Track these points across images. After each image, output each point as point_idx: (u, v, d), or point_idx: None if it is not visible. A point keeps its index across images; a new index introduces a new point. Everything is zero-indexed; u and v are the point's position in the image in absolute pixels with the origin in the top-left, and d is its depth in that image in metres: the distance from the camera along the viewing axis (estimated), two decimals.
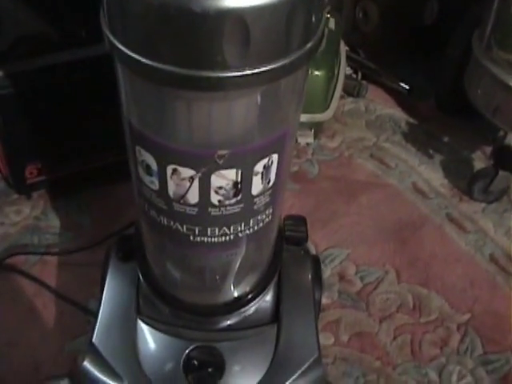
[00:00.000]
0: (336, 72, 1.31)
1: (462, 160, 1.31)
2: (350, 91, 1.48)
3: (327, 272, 1.05)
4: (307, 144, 1.30)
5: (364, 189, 1.22)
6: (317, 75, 1.20)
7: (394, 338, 0.97)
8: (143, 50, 0.45)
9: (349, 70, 1.52)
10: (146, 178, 0.56)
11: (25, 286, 1.02)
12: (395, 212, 1.18)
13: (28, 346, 0.93)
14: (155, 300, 0.76)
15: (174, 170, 0.53)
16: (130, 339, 0.76)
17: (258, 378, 0.75)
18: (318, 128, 1.29)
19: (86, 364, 0.76)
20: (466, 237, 1.15)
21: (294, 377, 0.75)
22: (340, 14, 1.51)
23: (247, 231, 0.60)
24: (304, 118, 1.22)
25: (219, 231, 0.59)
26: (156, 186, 0.56)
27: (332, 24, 1.34)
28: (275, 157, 0.54)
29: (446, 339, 0.97)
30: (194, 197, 0.55)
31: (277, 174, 0.56)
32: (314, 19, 0.47)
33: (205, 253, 0.63)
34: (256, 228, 0.60)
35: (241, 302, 0.73)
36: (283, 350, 0.76)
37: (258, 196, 0.57)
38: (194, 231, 0.59)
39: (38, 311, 0.98)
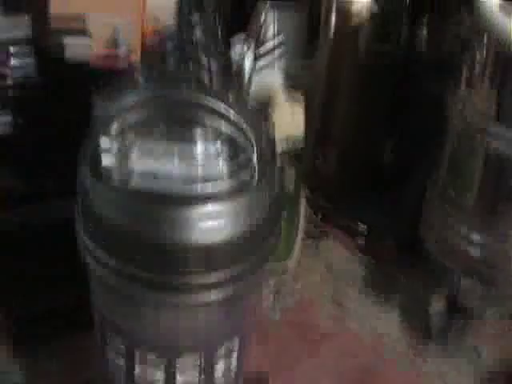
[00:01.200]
0: (296, 221, 1.35)
1: (422, 303, 1.33)
2: (311, 235, 1.51)
3: None
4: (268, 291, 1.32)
5: (325, 336, 1.25)
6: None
7: None
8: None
9: (310, 212, 1.56)
10: (117, 358, 0.59)
11: None
12: (355, 358, 1.20)
13: None
14: None
15: (142, 355, 0.56)
16: None
17: None
18: (277, 274, 1.31)
19: None
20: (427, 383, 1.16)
21: None
22: (300, 161, 1.56)
23: None
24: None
25: None
26: (123, 367, 0.58)
27: (291, 176, 1.38)
28: (236, 341, 0.57)
29: None
30: (157, 379, 0.57)
31: (237, 356, 0.59)
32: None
33: None
34: None
35: None
36: None
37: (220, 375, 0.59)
38: None
39: None
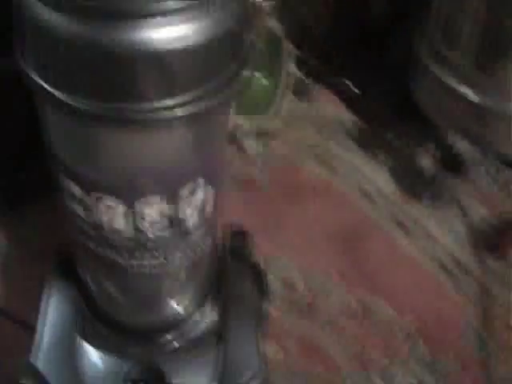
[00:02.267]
0: (281, 76, 1.29)
1: (411, 163, 1.31)
2: (298, 94, 1.46)
3: (271, 279, 1.04)
4: (255, 152, 1.29)
5: (313, 195, 1.22)
6: (260, 81, 1.19)
7: (341, 345, 0.96)
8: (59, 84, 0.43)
9: (297, 72, 1.50)
10: (72, 205, 0.55)
11: None
12: (342, 218, 1.17)
13: None
14: (94, 321, 0.74)
15: (99, 198, 0.52)
16: (70, 358, 0.75)
17: None
18: (265, 134, 1.28)
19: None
20: (412, 240, 1.15)
21: None
22: (288, 14, 1.49)
23: (182, 260, 0.59)
24: (252, 125, 1.21)
25: (151, 257, 0.57)
26: (82, 213, 0.54)
27: (277, 27, 1.33)
28: (201, 181, 0.53)
29: (392, 345, 0.97)
30: (120, 224, 0.53)
31: (211, 205, 0.55)
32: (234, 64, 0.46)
33: (138, 277, 0.61)
34: (191, 255, 0.59)
35: (179, 318, 0.72)
36: (226, 370, 0.75)
37: (193, 228, 0.56)
38: (124, 257, 0.57)
39: None
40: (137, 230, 0.54)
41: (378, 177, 1.28)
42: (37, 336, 0.77)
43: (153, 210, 0.52)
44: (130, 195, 0.51)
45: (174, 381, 0.75)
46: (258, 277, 0.85)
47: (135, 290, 0.65)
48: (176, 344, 0.76)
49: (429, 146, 1.30)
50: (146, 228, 0.54)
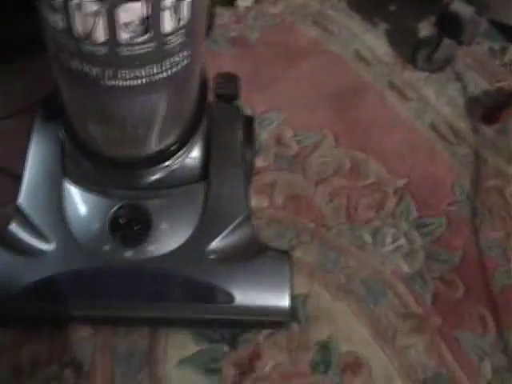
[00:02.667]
0: None
1: (408, 29, 1.28)
2: None
3: (263, 135, 1.04)
4: (246, 8, 1.25)
5: (305, 55, 1.19)
6: None
7: (330, 200, 0.97)
8: None
9: None
10: (51, 16, 0.53)
11: None
12: (336, 78, 1.15)
13: None
14: (78, 156, 0.74)
15: (78, 5, 0.50)
16: (56, 200, 0.76)
17: (186, 235, 0.75)
18: None
19: (13, 226, 0.76)
20: (407, 104, 1.13)
21: (222, 234, 0.76)
22: None
23: (162, 74, 0.57)
24: None
25: (131, 74, 0.56)
26: (61, 24, 0.52)
27: None
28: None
29: (381, 203, 0.97)
30: (100, 34, 0.52)
31: (190, 11, 0.53)
32: None
33: (119, 99, 0.60)
34: (171, 72, 0.58)
35: (164, 154, 0.72)
36: (211, 208, 0.76)
37: (170, 35, 0.54)
38: (104, 74, 0.55)
39: None
40: (116, 41, 0.52)
41: (376, 44, 1.25)
42: (23, 181, 0.78)
43: (134, 19, 0.50)
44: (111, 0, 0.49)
45: (159, 221, 0.75)
46: (246, 124, 0.84)
47: (116, 113, 0.63)
48: (161, 182, 0.76)
49: (431, 17, 1.27)
50: (126, 38, 0.52)
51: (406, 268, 0.90)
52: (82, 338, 0.79)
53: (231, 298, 0.74)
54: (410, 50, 1.21)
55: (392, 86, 1.16)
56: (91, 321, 0.79)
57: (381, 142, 1.06)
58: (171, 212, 0.75)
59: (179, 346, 0.80)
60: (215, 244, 0.76)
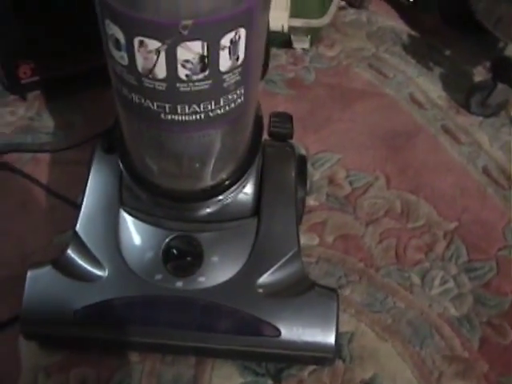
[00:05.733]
0: None
1: (462, 73, 1.29)
2: (352, 2, 1.44)
3: (317, 175, 1.05)
4: (303, 50, 1.28)
5: (360, 97, 1.21)
6: None
7: (380, 241, 0.97)
8: None
9: None
10: (116, 53, 0.56)
11: (17, 183, 1.03)
12: (390, 121, 1.17)
13: (17, 238, 0.95)
14: (134, 187, 0.76)
15: (141, 42, 0.53)
16: (112, 228, 0.79)
17: (236, 269, 0.77)
18: (315, 35, 1.27)
19: (69, 252, 0.79)
20: (459, 148, 1.14)
21: (271, 270, 0.77)
22: None
23: (218, 111, 0.60)
24: (300, 22, 1.20)
25: (189, 109, 0.58)
26: (125, 60, 0.55)
27: None
28: (243, 31, 0.53)
29: (431, 245, 0.97)
30: (161, 71, 0.54)
31: (246, 52, 0.56)
32: None
33: (177, 133, 0.62)
34: (227, 108, 0.60)
35: (218, 189, 0.73)
36: (262, 243, 0.78)
37: (226, 73, 0.56)
38: (165, 108, 0.58)
39: (28, 206, 1.00)
40: (176, 77, 0.55)
41: (430, 88, 1.27)
42: (82, 209, 0.81)
43: (193, 57, 0.53)
44: (171, 40, 0.51)
45: (211, 254, 0.77)
46: (299, 162, 0.85)
47: (173, 147, 0.65)
48: (214, 216, 0.78)
49: (485, 62, 1.28)
50: (185, 75, 0.55)
51: (453, 311, 0.89)
52: (130, 363, 0.81)
53: (277, 332, 0.74)
54: (464, 94, 1.21)
55: (445, 129, 1.17)
56: (140, 347, 0.80)
57: (432, 184, 1.06)
58: (223, 245, 0.77)
59: (224, 377, 0.80)
60: (264, 279, 0.77)
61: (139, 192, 0.77)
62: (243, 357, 0.80)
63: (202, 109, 0.59)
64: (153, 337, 0.77)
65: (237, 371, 0.81)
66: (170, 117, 0.59)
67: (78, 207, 0.81)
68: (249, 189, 0.79)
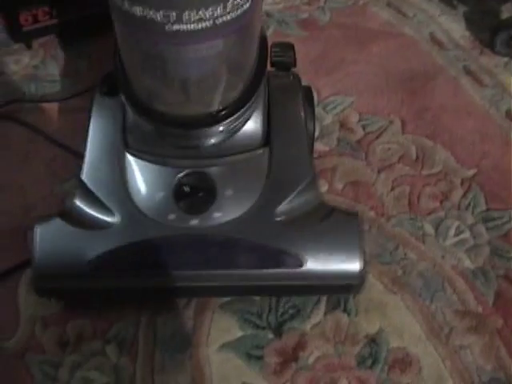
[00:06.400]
0: None
1: (488, 11, 1.21)
2: None
3: (328, 119, 1.01)
4: None
5: (376, 37, 1.15)
6: None
7: (392, 188, 0.92)
8: None
9: None
10: None
11: (19, 133, 1.01)
12: (407, 62, 1.11)
13: (19, 188, 0.93)
14: (139, 122, 0.74)
15: None
16: (119, 173, 0.76)
17: (252, 201, 0.75)
18: None
19: (76, 201, 0.76)
20: (482, 91, 1.07)
21: (288, 198, 0.75)
22: None
23: (225, 17, 0.57)
24: None
25: (196, 15, 0.55)
26: None
27: None
28: None
29: (447, 193, 0.92)
30: None
31: None
32: None
33: (183, 46, 0.59)
34: (234, 15, 0.57)
35: (225, 113, 0.70)
36: (276, 173, 0.76)
37: None
38: (169, 18, 0.55)
39: (30, 157, 0.97)
40: None
41: (452, 27, 1.20)
42: (86, 156, 0.78)
43: None
44: None
45: (224, 188, 0.75)
46: (305, 91, 0.82)
47: (179, 63, 0.62)
48: (223, 150, 0.76)
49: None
50: None
51: (468, 263, 0.85)
52: (127, 316, 0.79)
53: (300, 262, 0.72)
54: (488, 33, 1.14)
55: (467, 71, 1.11)
56: (158, 292, 0.78)
57: (451, 129, 1.00)
58: (235, 178, 0.75)
59: (223, 329, 0.78)
60: (281, 208, 0.74)
61: (144, 125, 0.74)
62: (265, 292, 0.78)
63: (208, 15, 0.55)
64: (172, 279, 0.74)
65: (236, 324, 0.78)
66: (175, 27, 0.56)
67: (82, 155, 0.78)
68: (257, 118, 0.76)
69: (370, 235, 0.87)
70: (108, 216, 0.75)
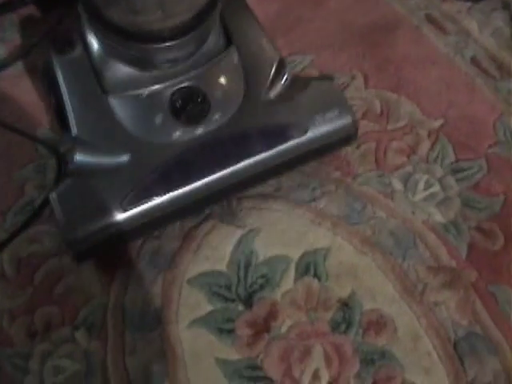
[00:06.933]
0: None
1: None
2: None
3: None
4: None
5: None
6: None
7: (357, 146, 0.90)
8: None
9: None
10: None
11: None
12: (367, 14, 1.07)
13: None
14: (112, 52, 0.77)
15: None
16: (109, 118, 0.77)
17: (241, 94, 0.81)
18: None
19: (79, 157, 0.76)
20: (445, 38, 1.04)
21: (269, 80, 0.82)
22: None
23: None
24: None
25: None
26: None
27: None
28: None
29: (414, 147, 0.90)
30: None
31: None
32: None
33: None
34: None
35: (198, 20, 0.74)
36: (249, 63, 0.83)
37: None
38: None
39: None
40: None
41: None
42: (69, 115, 0.77)
43: None
44: None
45: (212, 91, 0.79)
46: None
47: None
48: (197, 62, 0.79)
49: None
50: None
51: (439, 217, 0.83)
52: (93, 299, 0.77)
53: (305, 129, 0.79)
54: None
55: (430, 19, 1.07)
56: (195, 207, 0.80)
57: (415, 80, 0.98)
58: (218, 80, 0.80)
59: (192, 305, 0.76)
60: (267, 90, 0.82)
61: (119, 49, 0.76)
62: (278, 171, 0.83)
63: None
64: (205, 187, 0.76)
65: (205, 298, 0.76)
66: None
67: (64, 117, 0.78)
68: (217, 29, 0.82)
69: (336, 196, 0.85)
70: (117, 157, 0.76)
